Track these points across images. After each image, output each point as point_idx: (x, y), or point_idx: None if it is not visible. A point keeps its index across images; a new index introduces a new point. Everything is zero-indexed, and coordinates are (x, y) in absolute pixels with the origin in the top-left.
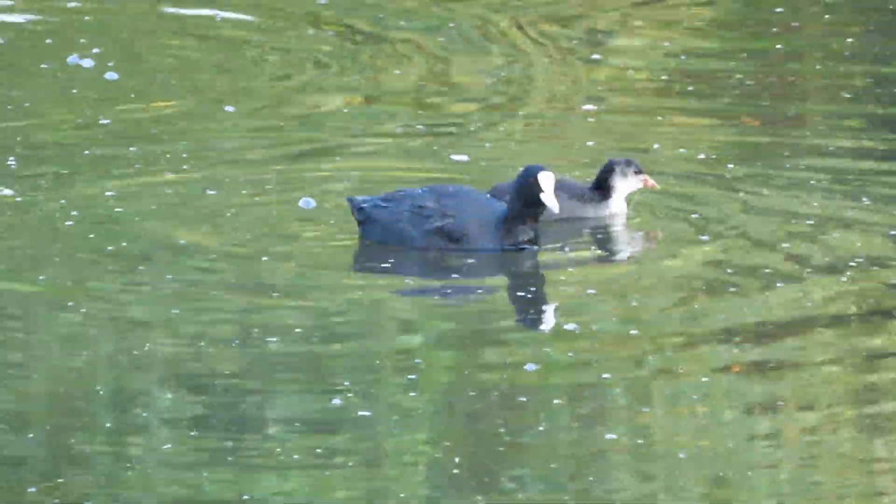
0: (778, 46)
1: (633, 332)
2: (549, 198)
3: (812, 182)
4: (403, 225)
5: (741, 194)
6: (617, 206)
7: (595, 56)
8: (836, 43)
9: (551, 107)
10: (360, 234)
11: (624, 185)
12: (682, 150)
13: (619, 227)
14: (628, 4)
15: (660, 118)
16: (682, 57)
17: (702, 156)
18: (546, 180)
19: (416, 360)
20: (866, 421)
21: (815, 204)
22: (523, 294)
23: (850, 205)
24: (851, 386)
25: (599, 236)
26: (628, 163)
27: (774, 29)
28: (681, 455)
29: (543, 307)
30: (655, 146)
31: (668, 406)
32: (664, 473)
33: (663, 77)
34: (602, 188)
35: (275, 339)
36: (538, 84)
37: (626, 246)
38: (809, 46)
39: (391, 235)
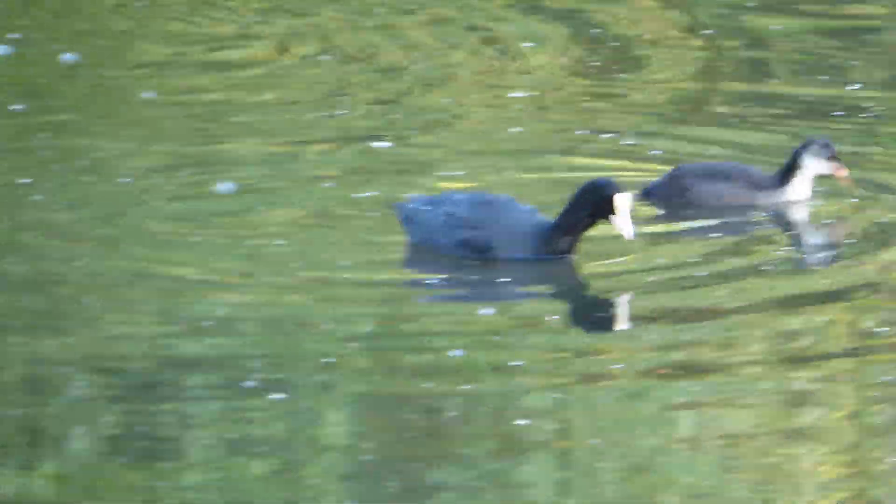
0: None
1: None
2: (623, 222)
3: None
4: (435, 231)
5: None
6: (796, 191)
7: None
8: None
9: (481, 93)
10: (406, 234)
11: (811, 166)
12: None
13: (786, 217)
14: None
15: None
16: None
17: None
18: (622, 203)
19: (336, 348)
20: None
21: None
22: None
23: None
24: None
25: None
26: (826, 145)
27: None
28: (596, 442)
29: (463, 295)
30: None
31: (588, 395)
32: (582, 461)
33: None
34: (790, 168)
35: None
36: (467, 69)
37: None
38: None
39: (426, 240)
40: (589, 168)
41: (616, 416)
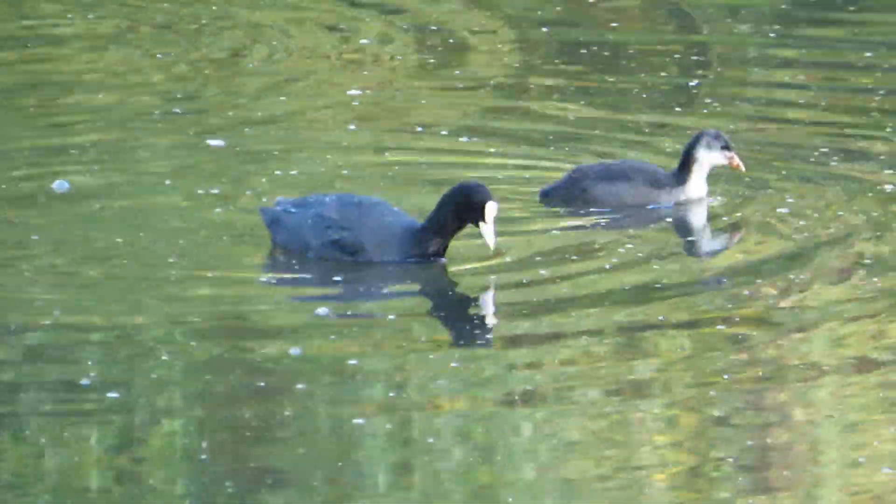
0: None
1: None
2: (488, 231)
3: None
4: (304, 232)
5: None
6: (696, 188)
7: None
8: None
9: (317, 92)
10: (271, 237)
11: (706, 159)
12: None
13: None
14: None
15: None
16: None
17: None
18: (490, 210)
19: (173, 346)
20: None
21: None
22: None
23: None
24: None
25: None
26: (717, 136)
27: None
28: (432, 440)
29: (307, 296)
30: None
31: (425, 393)
32: (421, 459)
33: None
34: (685, 163)
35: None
36: (304, 68)
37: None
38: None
39: (293, 242)
40: (424, 165)
41: (456, 416)
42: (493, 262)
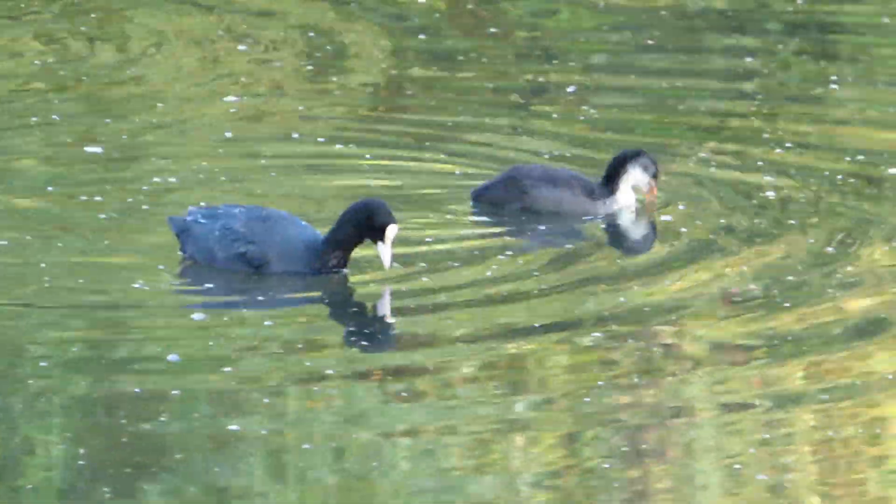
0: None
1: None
2: (385, 251)
3: None
4: (212, 244)
5: None
6: (625, 199)
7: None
8: None
9: (195, 99)
10: (180, 247)
11: (636, 177)
12: None
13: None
14: None
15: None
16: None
17: None
18: (391, 232)
19: (53, 353)
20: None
21: None
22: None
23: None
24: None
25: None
26: (654, 162)
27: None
28: (308, 446)
29: (182, 302)
30: None
31: (303, 399)
32: (296, 465)
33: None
34: (615, 175)
35: None
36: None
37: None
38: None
39: (201, 253)
40: (301, 171)
41: (331, 417)
42: (400, 272)
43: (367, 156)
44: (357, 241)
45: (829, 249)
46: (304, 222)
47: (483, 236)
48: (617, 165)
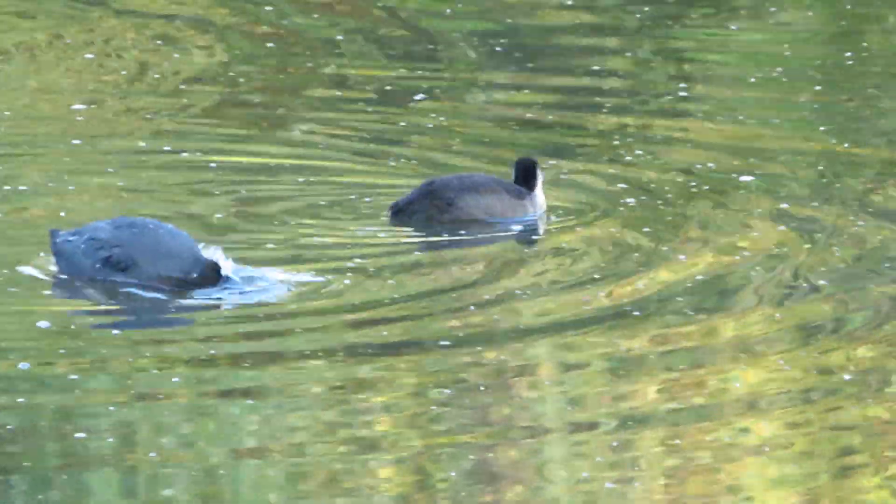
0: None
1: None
2: (219, 256)
3: None
4: (79, 257)
5: None
6: (541, 200)
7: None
8: None
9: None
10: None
11: (541, 179)
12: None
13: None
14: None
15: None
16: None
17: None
18: (226, 267)
19: None
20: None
21: None
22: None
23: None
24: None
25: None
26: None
27: (265, 27)
28: (154, 454)
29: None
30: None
31: (151, 411)
32: (147, 480)
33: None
34: (531, 176)
35: None
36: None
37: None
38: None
39: (72, 267)
40: (152, 181)
41: (178, 430)
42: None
43: (214, 164)
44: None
45: (682, 257)
46: (176, 229)
47: (400, 251)
48: (529, 166)
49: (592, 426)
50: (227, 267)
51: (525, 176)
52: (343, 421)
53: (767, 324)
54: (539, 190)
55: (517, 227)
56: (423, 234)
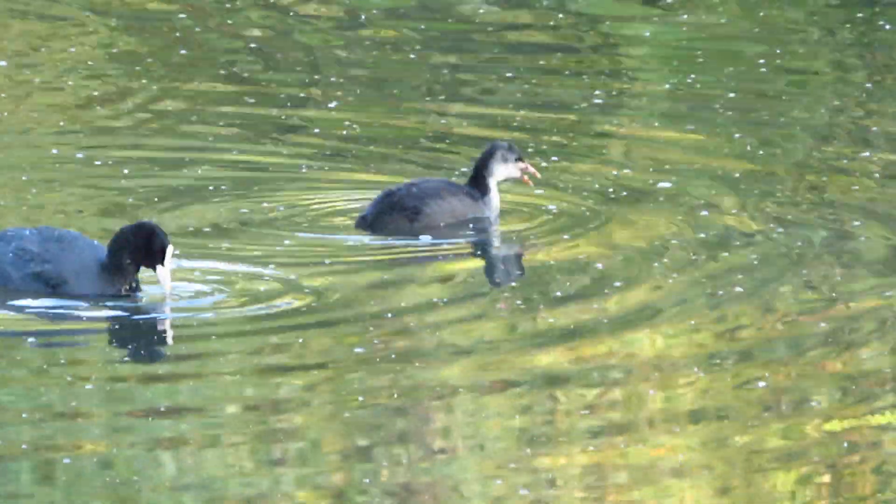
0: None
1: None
2: (164, 275)
3: None
4: (5, 267)
5: None
6: (496, 201)
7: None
8: None
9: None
10: None
11: (501, 172)
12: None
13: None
14: None
15: None
16: None
17: None
18: (170, 254)
19: None
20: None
21: None
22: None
23: None
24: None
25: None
26: (511, 147)
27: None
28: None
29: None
30: None
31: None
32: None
33: None
34: (479, 176)
35: None
36: None
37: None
38: None
39: None
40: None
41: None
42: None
43: (126, 170)
44: (133, 268)
45: (599, 265)
46: (97, 242)
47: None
48: (480, 167)
49: (509, 448)
50: (167, 281)
51: (476, 175)
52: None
53: (687, 336)
54: (494, 187)
55: (475, 234)
56: (391, 244)
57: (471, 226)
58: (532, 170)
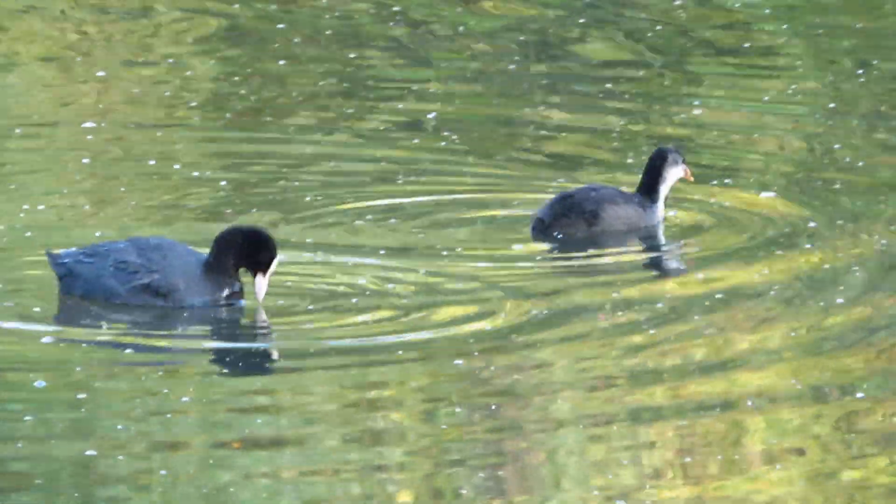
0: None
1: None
2: (262, 285)
3: None
4: (108, 281)
5: None
6: (662, 208)
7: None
8: None
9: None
10: (61, 287)
11: (673, 175)
12: None
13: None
14: None
15: None
16: None
17: None
18: (275, 266)
19: None
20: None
21: None
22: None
23: None
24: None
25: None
26: (677, 150)
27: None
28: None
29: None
30: None
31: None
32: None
33: None
34: (651, 183)
35: None
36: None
37: None
38: None
39: (96, 291)
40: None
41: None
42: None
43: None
44: (235, 271)
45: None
46: (191, 247)
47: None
48: (653, 174)
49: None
50: (262, 291)
51: (650, 182)
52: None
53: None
54: (663, 196)
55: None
56: (567, 250)
57: (640, 237)
58: (689, 173)
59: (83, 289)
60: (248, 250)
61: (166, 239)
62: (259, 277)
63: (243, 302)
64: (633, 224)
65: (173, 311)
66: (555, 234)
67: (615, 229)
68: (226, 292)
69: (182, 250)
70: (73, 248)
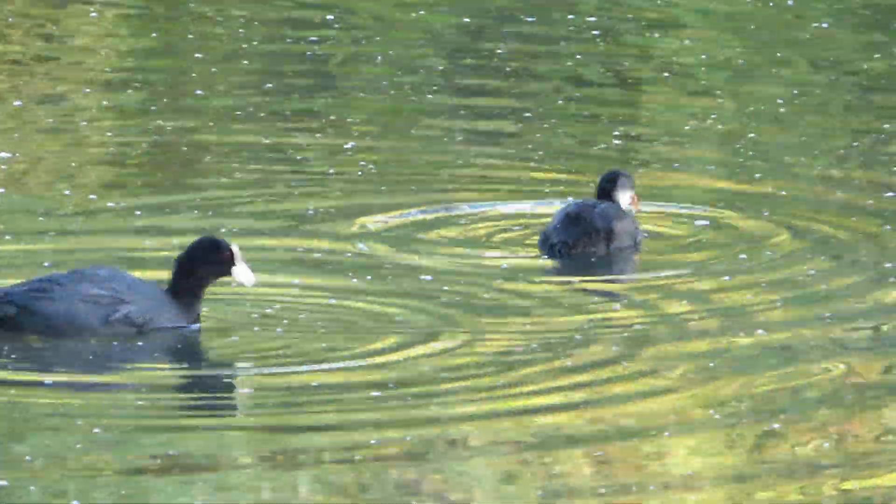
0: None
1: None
2: (243, 272)
3: None
4: (81, 316)
5: None
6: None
7: None
8: None
9: None
10: (11, 326)
11: (622, 200)
12: None
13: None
14: None
15: None
16: None
17: None
18: (238, 252)
19: None
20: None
21: None
22: None
23: None
24: None
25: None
26: (629, 176)
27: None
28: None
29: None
30: None
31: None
32: None
33: None
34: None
35: None
36: None
37: None
38: None
39: (60, 327)
40: None
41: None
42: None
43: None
44: (206, 283)
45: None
46: (137, 277)
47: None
48: (605, 192)
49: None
50: (248, 275)
51: (603, 192)
52: None
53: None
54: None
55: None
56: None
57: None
58: (637, 202)
59: (44, 325)
60: (208, 258)
61: (111, 267)
62: (236, 270)
63: (198, 326)
64: (634, 237)
65: (108, 341)
66: (568, 253)
67: (625, 245)
68: (195, 313)
69: (132, 279)
70: (9, 285)
